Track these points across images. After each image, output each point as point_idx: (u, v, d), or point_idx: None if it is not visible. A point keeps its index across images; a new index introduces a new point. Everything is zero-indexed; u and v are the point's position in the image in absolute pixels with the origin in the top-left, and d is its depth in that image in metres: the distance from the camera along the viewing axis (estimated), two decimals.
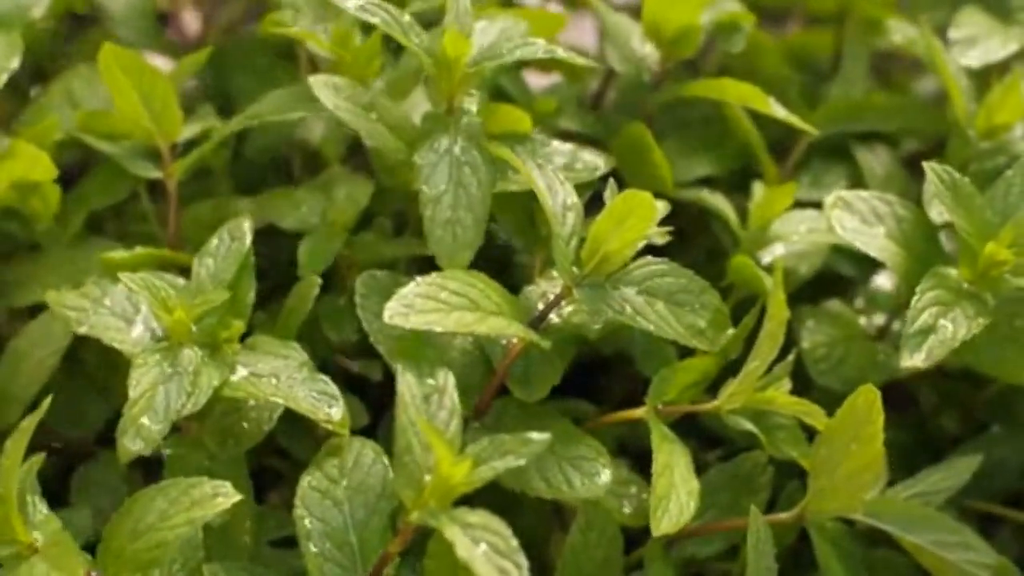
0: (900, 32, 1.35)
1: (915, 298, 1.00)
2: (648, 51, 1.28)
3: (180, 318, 0.98)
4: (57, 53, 1.35)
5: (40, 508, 0.91)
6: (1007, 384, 1.19)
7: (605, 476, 0.98)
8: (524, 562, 0.82)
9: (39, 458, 0.91)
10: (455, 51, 1.04)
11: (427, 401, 0.91)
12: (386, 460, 0.96)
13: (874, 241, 1.06)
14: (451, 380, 0.93)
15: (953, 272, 1.04)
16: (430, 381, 0.93)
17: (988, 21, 1.30)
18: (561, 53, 1.07)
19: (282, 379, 0.98)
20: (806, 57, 1.42)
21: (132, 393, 0.95)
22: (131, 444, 0.93)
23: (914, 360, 0.99)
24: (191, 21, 1.48)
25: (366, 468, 0.96)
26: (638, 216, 0.95)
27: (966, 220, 1.03)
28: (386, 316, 0.93)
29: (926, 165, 1.04)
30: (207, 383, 0.96)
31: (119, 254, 1.09)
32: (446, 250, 1.01)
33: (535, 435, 0.87)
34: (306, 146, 1.25)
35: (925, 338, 0.99)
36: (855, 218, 1.06)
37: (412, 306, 0.94)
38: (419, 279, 0.96)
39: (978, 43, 1.27)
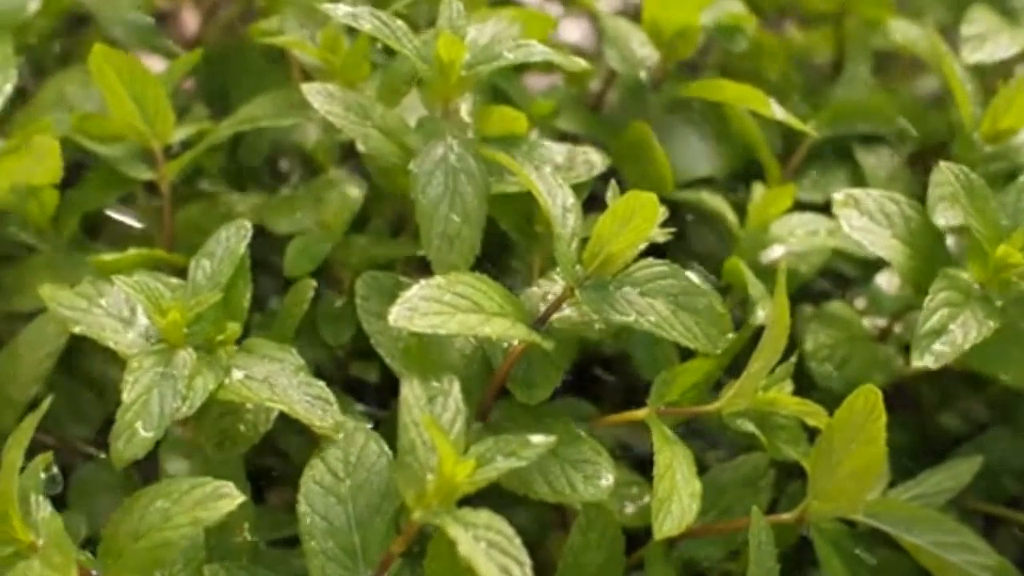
0: (901, 32, 1.35)
1: (928, 298, 1.01)
2: (648, 52, 1.28)
3: (175, 320, 0.97)
4: (52, 54, 1.34)
5: (43, 507, 0.89)
6: (1007, 384, 1.19)
7: (608, 479, 0.97)
8: (527, 560, 0.81)
9: (45, 457, 0.90)
10: (449, 55, 1.04)
11: (431, 403, 0.91)
12: (391, 455, 0.95)
13: (881, 240, 1.06)
14: (456, 383, 0.92)
15: (964, 274, 1.05)
16: (435, 383, 0.92)
17: (996, 20, 1.31)
18: (557, 56, 1.07)
19: (277, 383, 0.97)
20: (806, 57, 1.42)
21: (126, 397, 0.94)
22: (125, 449, 0.92)
23: (924, 361, 0.99)
24: (189, 21, 1.47)
25: (369, 465, 0.95)
26: (642, 217, 0.95)
27: (980, 221, 1.03)
28: (391, 319, 0.92)
29: (943, 165, 1.04)
30: (202, 386, 0.95)
31: (113, 256, 1.08)
32: (444, 260, 1.01)
33: (538, 437, 0.87)
34: (301, 149, 1.25)
35: (935, 339, 1.00)
36: (864, 217, 1.06)
37: (416, 309, 0.93)
38: (422, 282, 0.95)
39: (988, 40, 1.28)
